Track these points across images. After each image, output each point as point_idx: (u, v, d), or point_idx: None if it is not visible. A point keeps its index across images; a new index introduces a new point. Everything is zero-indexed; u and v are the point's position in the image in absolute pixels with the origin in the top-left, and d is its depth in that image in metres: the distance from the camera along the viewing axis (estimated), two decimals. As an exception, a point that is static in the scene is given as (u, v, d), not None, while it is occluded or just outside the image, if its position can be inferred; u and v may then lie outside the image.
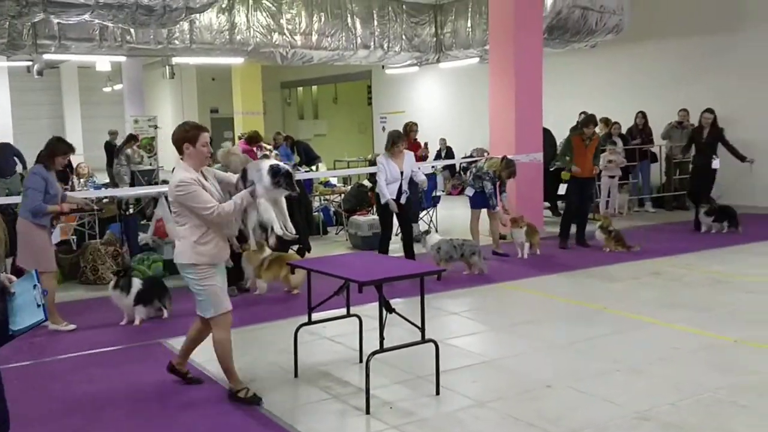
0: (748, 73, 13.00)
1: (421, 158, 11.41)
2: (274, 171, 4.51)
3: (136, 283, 6.73)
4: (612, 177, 13.01)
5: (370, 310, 5.68)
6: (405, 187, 8.27)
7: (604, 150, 12.74)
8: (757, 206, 12.56)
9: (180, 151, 4.56)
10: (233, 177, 4.77)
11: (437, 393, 4.74)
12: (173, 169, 4.82)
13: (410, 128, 11.47)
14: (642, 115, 13.58)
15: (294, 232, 4.72)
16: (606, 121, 13.73)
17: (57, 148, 6.50)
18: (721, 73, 13.40)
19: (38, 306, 3.24)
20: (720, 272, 8.19)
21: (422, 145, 12.07)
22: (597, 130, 13.05)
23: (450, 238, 8.48)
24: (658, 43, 14.29)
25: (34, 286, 3.33)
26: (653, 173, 13.76)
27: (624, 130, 13.61)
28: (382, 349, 4.53)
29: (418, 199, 11.55)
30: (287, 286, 7.75)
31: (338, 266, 4.95)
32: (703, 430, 4.09)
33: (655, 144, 13.66)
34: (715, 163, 10.92)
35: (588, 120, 10.01)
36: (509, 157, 9.57)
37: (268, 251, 7.62)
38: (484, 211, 9.50)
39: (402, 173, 8.17)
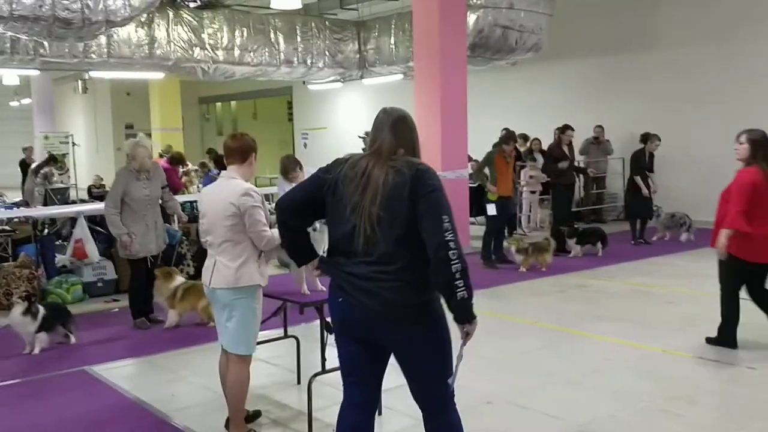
0: (659, 91, 13.57)
1: None
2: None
3: (41, 310, 6.32)
4: (533, 192, 13.32)
5: (306, 331, 5.60)
6: None
7: (524, 166, 13.05)
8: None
9: (241, 160, 4.14)
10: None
11: (379, 413, 4.66)
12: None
13: None
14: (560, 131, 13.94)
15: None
16: (524, 137, 14.09)
17: None
18: (634, 90, 13.96)
19: None
20: (641, 284, 8.47)
21: None
22: (518, 146, 13.40)
23: None
24: (575, 61, 14.77)
25: None
26: (572, 188, 14.16)
27: (545, 146, 13.94)
28: (324, 371, 4.45)
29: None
30: (203, 318, 6.95)
31: (277, 287, 4.81)
32: (643, 440, 4.19)
33: (574, 160, 14.06)
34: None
35: (508, 137, 10.04)
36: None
37: (180, 279, 7.03)
38: None
39: None
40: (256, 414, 4.63)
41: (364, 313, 3.01)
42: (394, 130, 3.09)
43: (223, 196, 4.05)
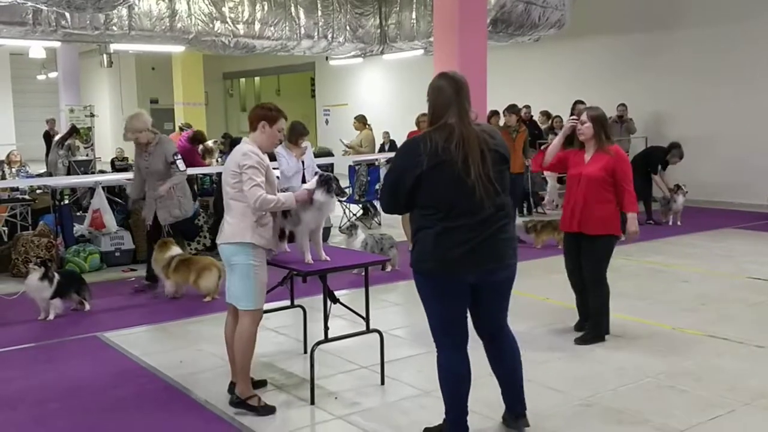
0: (682, 71, 13.34)
1: None
2: (322, 179, 4.47)
3: (56, 277, 6.44)
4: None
5: (313, 302, 5.62)
6: (310, 178, 7.91)
7: (544, 143, 12.93)
8: (690, 200, 12.90)
9: (252, 128, 4.38)
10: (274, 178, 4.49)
11: (382, 383, 4.71)
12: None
13: (420, 120, 11.25)
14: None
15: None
16: (547, 115, 13.94)
17: None
18: (658, 68, 13.73)
19: None
20: (657, 262, 8.39)
21: None
22: (539, 123, 13.28)
23: (371, 233, 8.47)
24: (598, 39, 14.55)
25: None
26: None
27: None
28: (326, 339, 4.48)
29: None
30: (200, 291, 6.98)
31: (281, 256, 4.84)
32: (645, 414, 4.16)
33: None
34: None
35: (507, 109, 10.02)
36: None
37: (176, 250, 7.03)
38: None
39: (303, 163, 7.49)
40: (261, 383, 4.68)
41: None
42: (467, 96, 3.51)
43: (232, 158, 4.29)
